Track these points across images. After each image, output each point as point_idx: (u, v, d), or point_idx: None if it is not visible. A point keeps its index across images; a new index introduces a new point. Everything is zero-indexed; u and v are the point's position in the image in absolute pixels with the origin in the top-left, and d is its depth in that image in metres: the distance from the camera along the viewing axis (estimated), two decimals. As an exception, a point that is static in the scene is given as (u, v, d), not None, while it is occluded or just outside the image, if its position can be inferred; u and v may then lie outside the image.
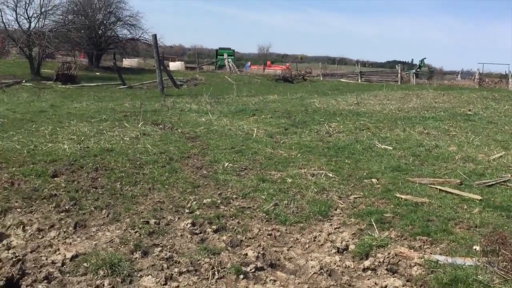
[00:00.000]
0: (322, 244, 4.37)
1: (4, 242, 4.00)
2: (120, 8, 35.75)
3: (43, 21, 26.59)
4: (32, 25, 25.87)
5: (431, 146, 8.96)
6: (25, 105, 14.52)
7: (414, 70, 38.15)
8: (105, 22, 34.96)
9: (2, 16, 25.32)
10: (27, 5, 25.73)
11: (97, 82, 24.83)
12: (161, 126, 10.64)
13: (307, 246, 4.36)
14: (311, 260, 4.02)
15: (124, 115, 12.34)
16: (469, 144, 9.23)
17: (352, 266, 3.91)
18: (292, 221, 4.89)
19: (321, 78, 36.16)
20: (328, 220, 5.00)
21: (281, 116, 13.09)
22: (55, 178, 5.90)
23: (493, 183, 6.41)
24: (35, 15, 26.04)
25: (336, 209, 5.32)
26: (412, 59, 49.06)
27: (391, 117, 12.88)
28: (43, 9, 26.26)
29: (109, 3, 35.11)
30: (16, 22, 25.69)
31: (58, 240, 4.13)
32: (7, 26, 25.75)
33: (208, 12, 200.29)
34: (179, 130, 10.19)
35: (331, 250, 4.24)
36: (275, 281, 3.66)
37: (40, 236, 4.19)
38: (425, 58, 43.02)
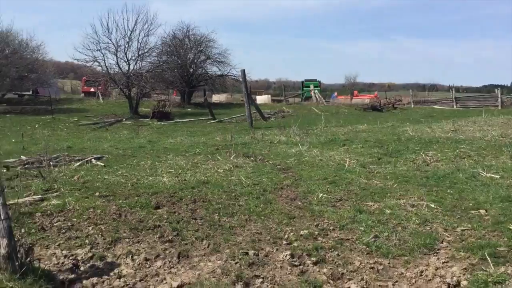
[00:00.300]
0: (430, 280, 4.10)
1: (115, 271, 4.22)
2: (210, 47, 37.68)
3: (141, 63, 28.71)
4: (131, 67, 28.00)
5: (544, 173, 8.20)
6: (126, 141, 15.55)
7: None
8: (195, 60, 36.89)
9: (104, 60, 27.71)
10: (126, 49, 27.98)
11: (189, 118, 26.08)
12: (252, 158, 10.83)
13: (413, 281, 4.11)
14: (420, 296, 3.78)
15: (216, 148, 12.74)
16: None
17: (467, 305, 3.61)
18: (395, 254, 4.66)
19: (412, 106, 34.96)
20: (435, 254, 4.69)
21: (373, 146, 12.76)
22: (158, 210, 6.18)
23: None
24: (133, 58, 28.22)
25: (442, 242, 4.99)
26: (512, 82, 45.76)
27: (495, 144, 12.02)
28: (140, 52, 28.39)
29: (199, 43, 37.09)
30: (117, 65, 27.98)
31: (164, 270, 4.28)
32: (108, 69, 28.07)
33: (291, 45, 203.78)
34: (270, 162, 10.29)
35: (441, 286, 3.95)
36: (382, 317, 3.47)
37: (147, 266, 4.36)
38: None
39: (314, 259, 4.50)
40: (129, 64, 27.92)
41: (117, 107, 30.95)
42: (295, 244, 4.94)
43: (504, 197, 6.66)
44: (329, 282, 4.02)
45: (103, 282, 3.93)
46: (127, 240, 5.04)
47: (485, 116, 21.58)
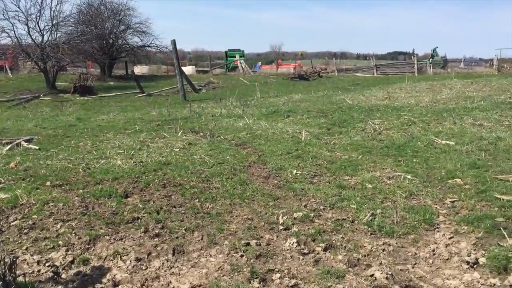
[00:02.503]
0: (447, 259, 3.98)
1: (108, 276, 3.64)
2: (129, 15, 35.49)
3: (56, 33, 26.34)
4: (45, 38, 25.60)
5: (493, 138, 8.55)
6: (51, 120, 14.22)
7: (429, 60, 37.54)
8: (114, 30, 34.63)
9: (14, 31, 25.07)
10: (38, 18, 25.46)
11: (115, 92, 24.53)
12: (201, 134, 10.28)
13: (430, 261, 3.97)
14: (448, 279, 3.63)
15: (156, 124, 11.98)
16: (532, 134, 8.80)
17: (499, 284, 3.51)
18: (399, 232, 4.50)
19: (336, 74, 35.71)
20: (437, 229, 4.61)
21: (317, 116, 12.72)
22: (128, 199, 5.53)
23: None
24: (47, 28, 25.79)
25: (438, 216, 4.93)
26: (413, 49, 48.01)
27: (433, 110, 12.44)
28: (54, 21, 26.00)
29: (117, 11, 34.82)
30: (28, 35, 25.41)
31: (164, 271, 3.76)
32: (20, 41, 25.45)
33: (208, 14, 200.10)
34: (222, 137, 9.84)
35: (461, 265, 3.84)
36: (422, 306, 3.28)
37: (143, 267, 3.81)
38: (437, 47, 42.18)
39: (322, 245, 4.21)
40: (42, 35, 25.48)
41: (31, 82, 28.31)
42: (295, 229, 4.62)
43: (470, 164, 6.81)
44: (349, 270, 3.76)
45: (101, 293, 3.34)
46: (107, 237, 4.41)
47: (409, 83, 22.46)
